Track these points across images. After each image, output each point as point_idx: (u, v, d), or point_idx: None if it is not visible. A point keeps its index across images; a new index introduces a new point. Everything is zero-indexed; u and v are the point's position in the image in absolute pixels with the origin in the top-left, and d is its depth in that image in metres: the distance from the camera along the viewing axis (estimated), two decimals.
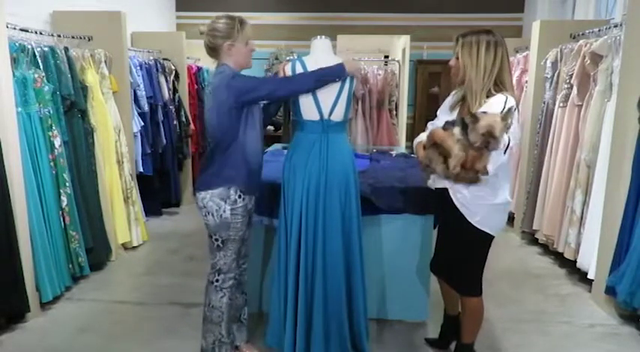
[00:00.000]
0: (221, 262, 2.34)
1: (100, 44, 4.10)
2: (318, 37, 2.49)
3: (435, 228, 2.78)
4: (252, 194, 2.38)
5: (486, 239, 2.24)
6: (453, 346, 2.59)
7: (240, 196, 2.27)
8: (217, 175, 2.27)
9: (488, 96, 2.14)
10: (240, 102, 2.20)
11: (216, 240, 2.31)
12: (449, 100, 2.36)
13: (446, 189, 2.23)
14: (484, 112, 2.05)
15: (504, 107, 2.07)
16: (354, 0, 6.83)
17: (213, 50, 2.28)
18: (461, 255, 2.28)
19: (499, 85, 2.16)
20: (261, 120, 2.38)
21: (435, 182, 2.32)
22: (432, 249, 2.59)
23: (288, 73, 2.36)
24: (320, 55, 2.44)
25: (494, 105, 2.10)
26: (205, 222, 2.32)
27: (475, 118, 2.01)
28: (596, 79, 3.54)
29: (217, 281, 2.36)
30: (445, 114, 2.32)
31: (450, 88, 2.44)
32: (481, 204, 2.17)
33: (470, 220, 2.18)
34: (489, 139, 2.00)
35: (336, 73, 2.29)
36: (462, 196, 2.18)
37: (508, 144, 2.07)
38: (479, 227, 2.19)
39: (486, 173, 2.09)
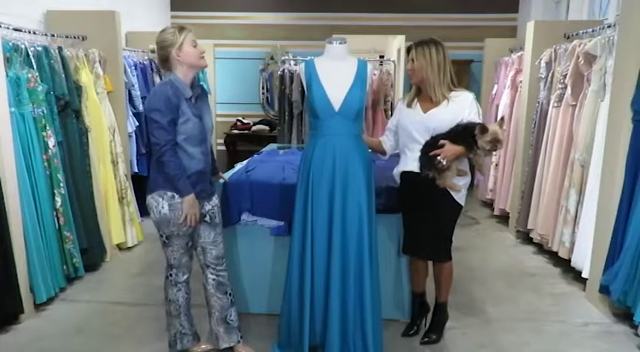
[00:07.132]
0: (171, 257, 2.43)
1: (95, 44, 4.09)
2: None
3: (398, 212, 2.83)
4: (197, 198, 2.34)
5: (460, 210, 2.66)
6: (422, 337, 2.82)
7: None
8: (153, 181, 2.35)
9: (450, 90, 2.53)
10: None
11: (161, 236, 2.39)
12: (402, 101, 2.71)
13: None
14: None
15: (477, 109, 2.53)
16: (350, 0, 6.84)
17: (165, 61, 2.28)
18: (443, 227, 2.64)
19: (452, 80, 2.54)
20: (204, 130, 2.34)
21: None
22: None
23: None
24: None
25: (467, 107, 2.51)
26: (151, 219, 2.39)
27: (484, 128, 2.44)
28: (589, 79, 3.55)
29: (171, 275, 2.47)
30: (403, 112, 2.63)
31: None
32: (463, 184, 2.59)
33: (455, 197, 2.57)
34: (496, 144, 2.47)
35: (180, 191, 2.26)
36: (455, 178, 2.56)
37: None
38: (459, 202, 2.60)
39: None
